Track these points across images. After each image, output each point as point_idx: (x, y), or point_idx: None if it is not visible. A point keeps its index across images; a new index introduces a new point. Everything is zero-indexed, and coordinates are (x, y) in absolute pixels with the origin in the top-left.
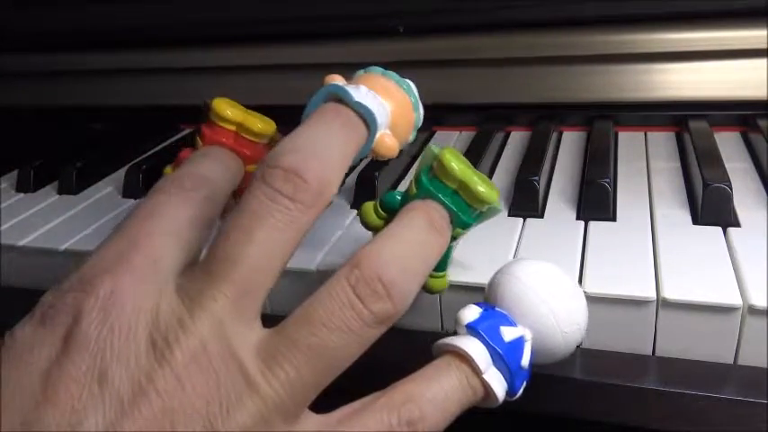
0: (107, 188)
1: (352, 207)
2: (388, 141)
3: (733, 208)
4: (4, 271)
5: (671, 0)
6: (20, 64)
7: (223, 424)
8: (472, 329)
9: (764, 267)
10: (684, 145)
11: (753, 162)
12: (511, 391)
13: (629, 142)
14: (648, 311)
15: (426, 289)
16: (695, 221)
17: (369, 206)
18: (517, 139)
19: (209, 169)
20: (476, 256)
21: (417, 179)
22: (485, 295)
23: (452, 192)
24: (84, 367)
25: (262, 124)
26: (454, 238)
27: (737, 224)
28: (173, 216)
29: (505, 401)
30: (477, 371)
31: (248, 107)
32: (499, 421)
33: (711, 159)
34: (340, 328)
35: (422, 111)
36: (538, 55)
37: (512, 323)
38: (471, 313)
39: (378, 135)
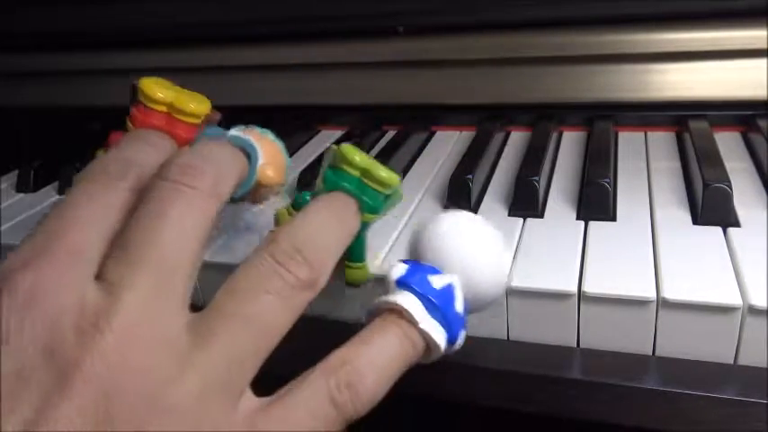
0: None
1: None
2: (269, 172)
3: (733, 208)
4: None
5: (671, 0)
6: (20, 64)
7: (162, 402)
8: (402, 283)
9: (764, 267)
10: (684, 145)
11: (753, 162)
12: (451, 338)
13: (629, 142)
14: (648, 311)
15: (347, 281)
16: (695, 221)
17: (283, 211)
18: (517, 139)
19: (138, 153)
20: None
21: (323, 175)
22: (407, 250)
23: (357, 179)
24: (7, 363)
25: (195, 104)
26: (365, 225)
27: (737, 224)
28: (96, 205)
29: (449, 357)
30: (413, 322)
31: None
32: (499, 421)
33: (711, 159)
34: (268, 293)
35: (290, 161)
36: (538, 55)
37: (438, 272)
38: (399, 270)
39: (258, 165)
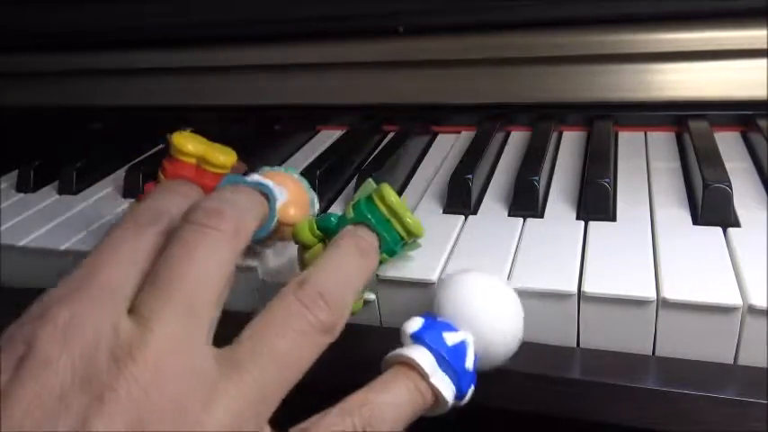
0: (107, 188)
1: None
2: (291, 211)
3: (733, 208)
4: (4, 271)
5: (671, 0)
6: (20, 64)
7: (196, 425)
8: (417, 338)
9: (764, 267)
10: (684, 145)
11: (753, 162)
12: (459, 393)
13: (629, 142)
14: (648, 311)
15: None
16: (695, 221)
17: (303, 225)
18: (517, 139)
19: (168, 202)
20: (476, 257)
21: (355, 204)
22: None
23: (385, 220)
24: (47, 386)
25: (223, 156)
26: (380, 263)
27: (737, 224)
28: (129, 248)
29: (456, 407)
30: (424, 376)
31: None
32: (499, 421)
33: (711, 159)
34: (294, 331)
35: (315, 196)
36: (538, 55)
37: (453, 329)
38: (415, 324)
39: (279, 205)
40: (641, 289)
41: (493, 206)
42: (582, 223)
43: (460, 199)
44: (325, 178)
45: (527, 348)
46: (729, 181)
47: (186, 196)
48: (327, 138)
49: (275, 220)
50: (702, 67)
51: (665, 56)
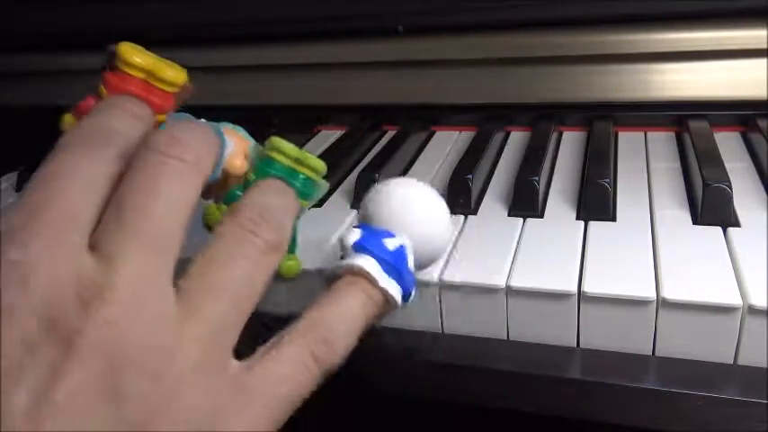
0: None
1: (351, 207)
2: (238, 162)
3: (733, 208)
4: None
5: (671, 0)
6: (20, 64)
7: (165, 375)
8: (360, 247)
9: (764, 267)
10: (684, 145)
11: (753, 162)
12: (405, 293)
13: (629, 142)
14: (648, 311)
15: (280, 272)
16: (695, 221)
17: (212, 206)
18: (517, 139)
19: (120, 121)
20: (476, 257)
21: (253, 168)
22: (359, 216)
23: (288, 168)
24: (9, 336)
25: (173, 72)
26: (302, 210)
27: (737, 224)
28: (83, 174)
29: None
30: (372, 281)
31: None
32: (499, 421)
33: (711, 159)
34: (243, 258)
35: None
36: (538, 55)
37: (391, 234)
38: (355, 234)
39: (227, 154)
40: (641, 289)
41: (493, 206)
42: (582, 223)
43: (460, 199)
44: (324, 178)
45: (527, 348)
46: (729, 181)
47: (135, 115)
48: (327, 138)
49: (222, 166)
50: (702, 67)
51: (665, 56)
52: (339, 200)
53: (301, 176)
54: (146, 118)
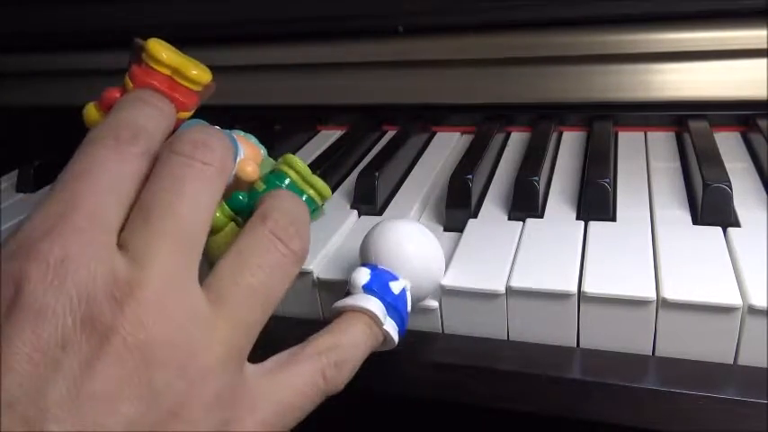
0: None
1: (351, 207)
2: (249, 168)
3: (733, 208)
4: None
5: (671, 0)
6: (20, 64)
7: (194, 372)
8: (368, 289)
9: (764, 267)
10: (684, 145)
11: (753, 162)
12: (402, 333)
13: (629, 142)
14: (648, 311)
15: None
16: (695, 221)
17: None
18: (517, 139)
19: (146, 117)
20: (476, 258)
21: (264, 177)
22: (361, 252)
23: (297, 186)
24: (45, 333)
25: (198, 71)
26: None
27: (737, 224)
28: (112, 173)
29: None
30: (378, 323)
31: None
32: (500, 421)
33: (711, 159)
34: (270, 265)
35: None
36: (538, 55)
37: (395, 277)
38: (364, 275)
39: (239, 160)
40: (641, 289)
41: (493, 206)
42: (582, 223)
43: (460, 199)
44: (324, 178)
45: (527, 348)
46: (729, 181)
47: (160, 110)
48: (327, 138)
49: (234, 171)
50: (702, 67)
51: (665, 56)
52: (339, 200)
53: (306, 196)
54: (169, 115)
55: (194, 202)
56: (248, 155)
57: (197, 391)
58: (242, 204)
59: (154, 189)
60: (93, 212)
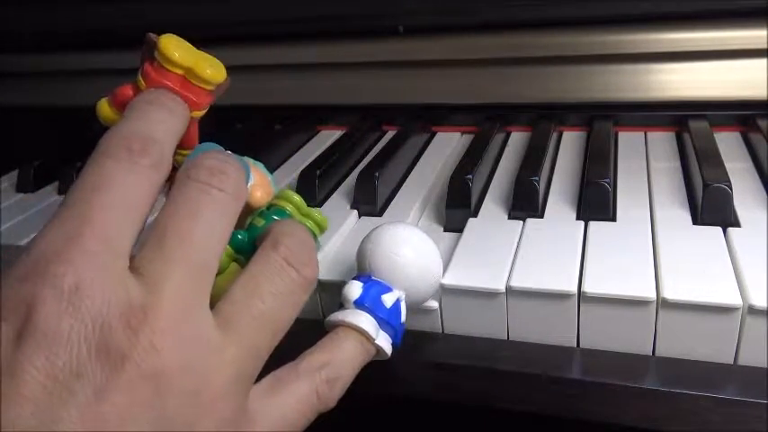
0: None
1: (351, 207)
2: (258, 194)
3: (733, 208)
4: (3, 271)
5: (671, 0)
6: (20, 64)
7: (205, 398)
8: (359, 305)
9: (764, 267)
10: (684, 145)
11: (753, 162)
12: (395, 344)
13: (629, 142)
14: (648, 311)
15: None
16: (695, 221)
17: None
18: (517, 139)
19: (157, 124)
20: (476, 257)
21: (261, 213)
22: (358, 258)
23: (294, 216)
24: (59, 360)
25: (212, 70)
26: None
27: (737, 224)
28: (123, 187)
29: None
30: (369, 339)
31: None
32: (500, 421)
33: (711, 159)
34: (281, 292)
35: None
36: (538, 55)
37: (389, 289)
38: (356, 290)
39: (249, 186)
40: (641, 289)
41: (493, 206)
42: (582, 223)
43: (460, 199)
44: (325, 178)
45: (527, 348)
46: (729, 181)
47: (173, 112)
48: (327, 138)
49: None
50: (702, 67)
51: (665, 56)
52: (339, 200)
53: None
54: (182, 116)
55: (209, 228)
56: (257, 181)
57: (207, 415)
58: (242, 243)
59: (169, 213)
60: (105, 234)
